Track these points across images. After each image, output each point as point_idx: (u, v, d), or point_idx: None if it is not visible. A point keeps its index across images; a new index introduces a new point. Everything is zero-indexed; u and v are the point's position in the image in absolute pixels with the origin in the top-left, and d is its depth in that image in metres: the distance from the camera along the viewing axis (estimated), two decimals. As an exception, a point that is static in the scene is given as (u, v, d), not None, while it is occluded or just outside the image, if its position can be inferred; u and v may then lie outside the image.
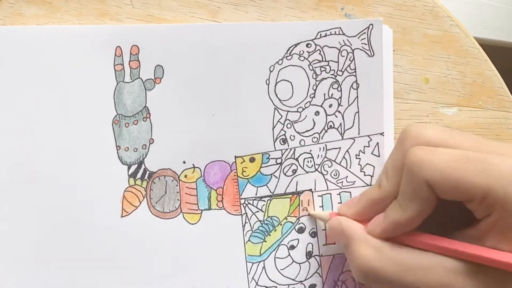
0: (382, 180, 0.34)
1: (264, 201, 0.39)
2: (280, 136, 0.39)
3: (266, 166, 0.39)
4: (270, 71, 0.39)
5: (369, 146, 0.40)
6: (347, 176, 0.40)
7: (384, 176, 0.34)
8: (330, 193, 0.40)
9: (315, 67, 0.39)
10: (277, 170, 0.39)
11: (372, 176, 0.40)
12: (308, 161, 0.40)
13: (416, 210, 0.31)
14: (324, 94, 0.40)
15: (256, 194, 0.39)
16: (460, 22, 0.40)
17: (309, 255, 0.40)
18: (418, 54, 0.40)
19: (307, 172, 0.40)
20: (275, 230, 0.40)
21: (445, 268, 0.31)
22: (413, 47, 0.40)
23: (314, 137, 0.40)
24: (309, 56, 0.39)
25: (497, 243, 0.30)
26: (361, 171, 0.40)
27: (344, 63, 0.39)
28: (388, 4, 0.40)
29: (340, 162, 0.40)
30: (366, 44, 0.39)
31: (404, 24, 0.40)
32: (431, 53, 0.40)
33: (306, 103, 0.39)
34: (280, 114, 0.39)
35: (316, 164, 0.40)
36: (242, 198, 0.39)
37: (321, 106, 0.40)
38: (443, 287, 0.30)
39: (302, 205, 0.40)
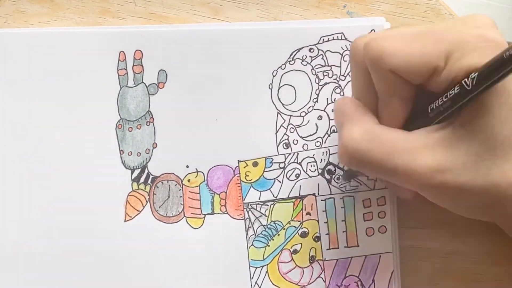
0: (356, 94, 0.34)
1: (267, 205, 0.39)
2: (283, 140, 0.39)
3: (269, 171, 0.39)
4: (273, 76, 0.39)
5: (372, 151, 0.40)
6: (350, 181, 0.40)
7: (355, 92, 0.34)
8: (334, 198, 0.40)
9: (317, 72, 0.40)
10: (280, 174, 0.39)
11: (375, 180, 0.40)
12: (311, 166, 0.40)
13: (396, 101, 0.31)
14: (327, 98, 0.40)
15: (259, 199, 0.39)
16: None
17: (312, 259, 0.40)
18: (419, 53, 0.40)
19: (310, 177, 0.40)
20: (278, 235, 0.39)
21: (429, 145, 0.30)
22: (414, 46, 0.40)
23: (317, 142, 0.40)
24: (312, 61, 0.39)
25: None
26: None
27: (347, 67, 0.39)
28: (390, 1, 0.40)
29: (343, 167, 0.40)
30: (368, 49, 0.39)
31: (406, 22, 0.40)
32: (432, 52, 0.40)
33: (309, 108, 0.40)
34: (283, 118, 0.39)
35: (320, 169, 0.40)
36: (245, 203, 0.39)
37: (324, 110, 0.40)
38: (431, 172, 0.30)
39: (305, 210, 0.40)
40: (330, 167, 0.40)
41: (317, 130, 0.40)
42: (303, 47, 0.39)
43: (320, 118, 0.40)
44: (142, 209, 0.39)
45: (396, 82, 0.31)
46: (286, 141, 0.40)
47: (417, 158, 0.30)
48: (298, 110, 0.40)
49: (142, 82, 0.39)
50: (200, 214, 0.39)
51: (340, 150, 0.32)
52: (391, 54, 0.30)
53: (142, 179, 0.39)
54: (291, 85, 0.39)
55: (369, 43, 0.31)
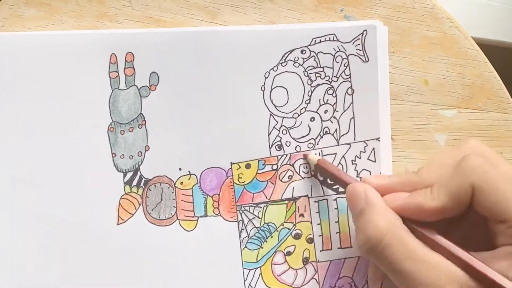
0: (423, 169, 0.34)
1: (261, 207, 0.39)
2: (275, 142, 0.39)
3: (262, 172, 0.39)
4: (265, 78, 0.39)
5: (365, 152, 0.40)
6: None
7: (426, 167, 0.34)
8: (327, 199, 0.40)
9: (310, 73, 0.39)
10: (273, 176, 0.39)
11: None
12: (304, 167, 0.40)
13: (444, 204, 0.31)
14: (320, 100, 0.40)
15: (252, 201, 0.39)
16: (459, 23, 0.40)
17: (305, 261, 0.40)
18: (417, 56, 0.40)
19: (303, 178, 0.40)
20: (272, 237, 0.39)
21: (452, 277, 0.30)
22: (412, 49, 0.40)
23: (310, 143, 0.40)
24: (304, 62, 0.39)
25: (508, 271, 0.30)
26: (357, 176, 0.40)
27: (339, 69, 0.40)
28: (387, 6, 0.40)
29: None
30: (360, 50, 0.39)
31: (403, 26, 0.40)
32: (430, 55, 0.40)
33: (301, 109, 0.40)
34: (275, 120, 0.39)
35: (312, 170, 0.40)
36: (238, 205, 0.39)
37: (317, 112, 0.40)
38: None
39: (298, 211, 0.40)
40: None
41: (309, 131, 0.40)
42: (295, 49, 0.39)
43: (312, 119, 0.40)
44: (135, 212, 0.39)
45: (464, 193, 0.31)
46: (279, 142, 0.39)
47: (434, 275, 0.31)
48: (291, 112, 0.40)
49: (134, 85, 0.39)
50: (193, 217, 0.39)
51: (362, 239, 0.33)
52: (485, 178, 0.31)
53: (134, 182, 0.39)
54: (283, 87, 0.39)
55: (479, 157, 0.32)
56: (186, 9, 0.40)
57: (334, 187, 0.39)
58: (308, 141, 0.40)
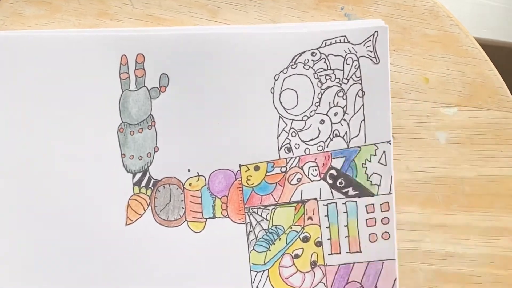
0: None
1: (269, 209, 0.39)
2: (285, 144, 0.39)
3: (271, 175, 0.39)
4: (275, 80, 0.39)
5: (375, 155, 0.39)
6: (353, 186, 0.39)
7: None
8: (336, 202, 0.39)
9: (320, 76, 0.39)
10: (281, 178, 0.39)
11: (379, 186, 0.39)
12: (313, 170, 0.39)
13: None
14: (330, 102, 0.39)
15: (260, 203, 0.39)
16: (460, 22, 0.40)
17: (313, 264, 0.39)
18: (418, 54, 0.40)
19: (312, 181, 0.39)
20: (280, 239, 0.39)
21: None
22: (413, 47, 0.40)
23: (319, 146, 0.39)
24: (314, 64, 0.39)
25: None
26: (367, 180, 0.39)
27: (350, 71, 0.39)
28: (387, 4, 0.40)
29: (346, 171, 0.39)
30: (371, 52, 0.39)
31: (404, 24, 0.40)
32: (431, 53, 0.40)
33: (311, 112, 0.39)
34: (285, 122, 0.39)
35: (321, 173, 0.39)
36: (246, 207, 0.39)
37: (326, 114, 0.39)
38: None
39: (307, 214, 0.39)
40: (332, 171, 0.39)
41: (319, 134, 0.39)
42: (305, 51, 0.39)
43: (322, 122, 0.39)
44: (144, 213, 0.39)
45: None
46: (288, 145, 0.39)
47: None
48: (300, 114, 0.39)
49: (144, 86, 0.39)
50: (201, 218, 0.39)
51: None
52: None
53: (143, 183, 0.39)
54: (293, 89, 0.39)
55: None
56: (187, 7, 0.40)
57: (344, 190, 0.39)
58: (317, 143, 0.39)
